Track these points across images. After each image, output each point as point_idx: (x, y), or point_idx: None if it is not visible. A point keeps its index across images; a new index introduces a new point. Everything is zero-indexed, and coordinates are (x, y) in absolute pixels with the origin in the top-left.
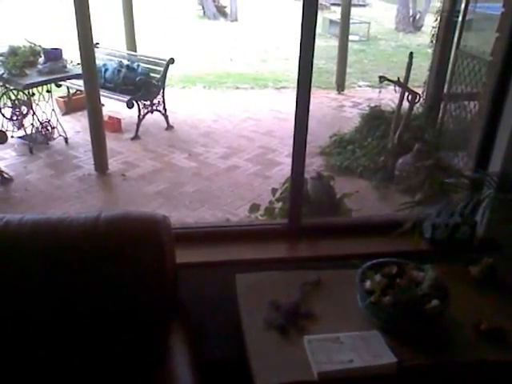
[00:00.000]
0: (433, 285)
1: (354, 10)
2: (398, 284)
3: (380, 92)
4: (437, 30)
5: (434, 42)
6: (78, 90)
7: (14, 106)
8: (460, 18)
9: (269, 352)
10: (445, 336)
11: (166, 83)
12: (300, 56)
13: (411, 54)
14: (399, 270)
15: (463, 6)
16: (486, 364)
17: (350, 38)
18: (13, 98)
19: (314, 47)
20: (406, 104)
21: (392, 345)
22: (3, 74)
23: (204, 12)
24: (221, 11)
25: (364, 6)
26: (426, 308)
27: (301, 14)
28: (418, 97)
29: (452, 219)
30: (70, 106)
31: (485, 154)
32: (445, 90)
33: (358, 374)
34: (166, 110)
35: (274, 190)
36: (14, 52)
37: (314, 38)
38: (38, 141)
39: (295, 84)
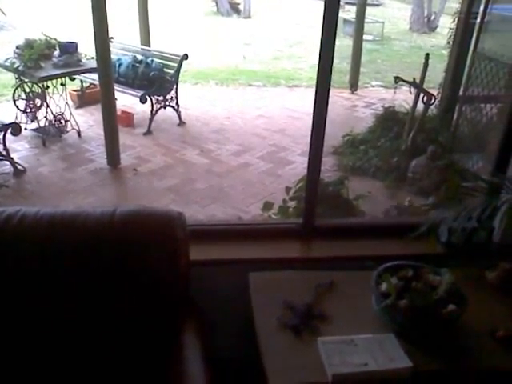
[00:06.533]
0: (449, 289)
1: (368, 10)
2: (414, 288)
3: (395, 93)
4: (454, 31)
5: (451, 43)
6: (91, 84)
7: (28, 99)
8: (478, 20)
9: (282, 352)
10: (460, 342)
11: (179, 79)
12: (320, 55)
13: (427, 55)
14: (415, 273)
15: (482, 7)
16: (502, 372)
17: (364, 37)
18: (27, 90)
19: (334, 47)
20: (420, 105)
21: (407, 349)
22: (19, 66)
23: (217, 8)
24: (234, 8)
25: (378, 5)
26: (443, 313)
27: (322, 14)
28: (433, 98)
29: (469, 224)
30: (83, 99)
31: (504, 157)
32: (460, 92)
33: (373, 377)
34: (178, 105)
35: (287, 189)
36: (29, 45)
37: (335, 38)
38: (51, 134)
39: (307, 82)
